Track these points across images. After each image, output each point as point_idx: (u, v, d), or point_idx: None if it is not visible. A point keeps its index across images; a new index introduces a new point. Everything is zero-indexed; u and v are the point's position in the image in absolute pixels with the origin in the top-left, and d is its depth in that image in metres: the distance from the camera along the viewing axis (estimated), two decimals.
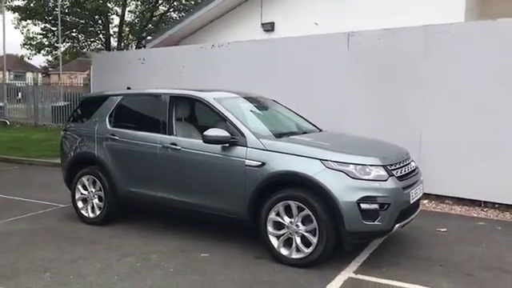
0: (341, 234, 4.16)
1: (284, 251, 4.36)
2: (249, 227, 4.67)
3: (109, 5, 24.72)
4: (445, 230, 5.50)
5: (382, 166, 4.25)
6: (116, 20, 27.95)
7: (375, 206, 4.09)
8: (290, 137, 4.83)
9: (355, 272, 4.19)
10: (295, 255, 4.31)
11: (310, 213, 4.19)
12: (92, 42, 28.06)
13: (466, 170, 6.53)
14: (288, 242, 4.37)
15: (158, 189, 5.12)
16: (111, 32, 27.76)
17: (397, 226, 4.26)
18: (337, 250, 4.32)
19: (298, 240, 4.29)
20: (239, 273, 4.18)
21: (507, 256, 4.66)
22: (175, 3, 27.40)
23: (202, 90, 5.31)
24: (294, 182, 4.32)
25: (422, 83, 6.84)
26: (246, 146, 4.58)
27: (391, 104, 7.10)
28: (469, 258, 4.56)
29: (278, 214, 4.39)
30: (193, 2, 25.51)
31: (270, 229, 4.43)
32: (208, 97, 5.09)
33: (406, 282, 3.98)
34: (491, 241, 5.15)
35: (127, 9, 27.36)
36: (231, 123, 4.75)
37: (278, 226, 4.41)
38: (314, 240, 4.19)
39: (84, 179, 5.74)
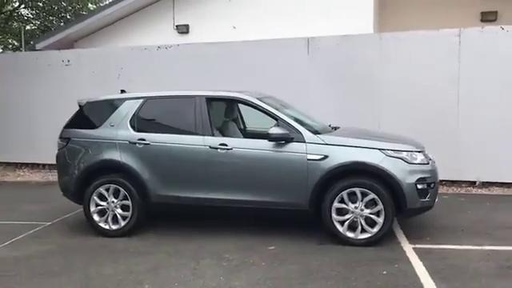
0: (401, 212, 4.84)
1: (350, 234, 4.87)
2: (309, 217, 5.05)
3: None
4: None
5: (421, 151, 5.05)
6: None
7: (425, 186, 4.87)
8: (333, 132, 5.31)
9: (411, 243, 4.91)
10: (361, 236, 4.85)
11: (375, 196, 4.78)
12: None
13: None
14: (350, 226, 4.89)
15: (206, 190, 5.14)
16: None
17: (436, 201, 5.12)
18: None
19: (363, 222, 4.84)
20: (327, 257, 4.56)
21: (493, 219, 5.88)
22: None
23: (231, 91, 5.48)
24: (360, 170, 4.85)
25: (378, 85, 7.89)
26: (305, 142, 4.95)
27: (350, 105, 8.00)
28: (474, 222, 5.64)
29: (341, 201, 4.87)
30: None
31: (334, 215, 4.88)
32: (250, 97, 5.29)
33: (457, 244, 4.84)
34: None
35: None
36: (284, 121, 5.06)
37: (341, 212, 4.89)
38: (380, 220, 4.79)
39: (102, 189, 5.37)
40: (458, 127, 7.54)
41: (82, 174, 5.43)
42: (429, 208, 5.00)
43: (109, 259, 4.68)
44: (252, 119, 6.12)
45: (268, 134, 4.93)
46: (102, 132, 5.47)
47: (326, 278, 4.07)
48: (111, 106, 5.60)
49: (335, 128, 5.78)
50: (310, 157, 4.91)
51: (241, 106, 6.00)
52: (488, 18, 10.85)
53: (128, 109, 5.48)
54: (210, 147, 5.12)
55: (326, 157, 4.87)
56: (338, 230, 4.88)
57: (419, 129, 7.11)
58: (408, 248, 4.78)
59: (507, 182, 7.45)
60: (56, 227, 5.92)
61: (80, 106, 5.76)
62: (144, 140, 5.29)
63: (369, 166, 4.81)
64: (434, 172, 5.01)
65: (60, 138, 5.73)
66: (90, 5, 24.45)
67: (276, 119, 5.12)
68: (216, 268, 4.36)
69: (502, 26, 7.37)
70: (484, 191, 7.41)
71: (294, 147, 4.96)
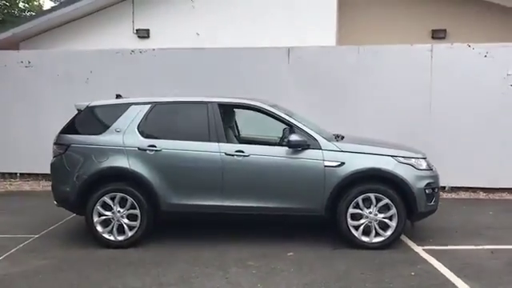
0: (411, 216, 5.11)
1: (365, 238, 5.05)
2: (324, 222, 5.16)
3: None
4: None
5: (424, 158, 5.37)
6: None
7: (431, 190, 5.18)
8: (344, 139, 5.47)
9: (418, 245, 5.19)
10: (375, 239, 5.04)
11: (388, 201, 5.00)
12: None
13: None
14: (364, 230, 5.06)
15: (222, 197, 5.07)
16: None
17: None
18: None
19: (377, 226, 5.04)
20: (349, 261, 4.68)
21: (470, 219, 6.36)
22: None
23: (240, 98, 5.50)
24: (374, 176, 5.05)
25: (356, 95, 8.23)
26: (321, 149, 5.07)
27: (330, 112, 8.23)
28: (462, 224, 6.06)
29: (355, 207, 5.04)
30: None
31: (349, 220, 5.04)
32: (263, 104, 5.32)
33: (460, 245, 5.19)
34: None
35: None
36: (299, 128, 5.15)
37: (356, 217, 5.05)
38: (393, 224, 5.01)
39: (107, 198, 5.11)
40: (430, 135, 8.04)
41: (84, 182, 5.12)
42: (433, 211, 5.31)
43: (128, 271, 4.47)
44: (253, 126, 6.12)
45: (289, 140, 4.99)
46: (106, 138, 5.21)
47: (361, 280, 4.19)
48: (115, 110, 5.36)
49: (338, 136, 5.92)
50: (326, 163, 5.03)
51: (246, 112, 5.97)
52: (438, 35, 11.66)
53: (135, 114, 5.27)
54: (226, 154, 5.07)
55: (342, 163, 5.02)
56: (353, 234, 5.04)
57: (394, 136, 7.44)
58: (418, 250, 5.04)
59: (473, 187, 8.07)
60: (46, 240, 5.54)
61: (79, 110, 5.45)
62: (155, 146, 5.12)
63: (384, 172, 5.03)
64: (436, 178, 5.33)
65: (56, 144, 5.37)
66: (21, 3, 23.06)
67: (291, 126, 5.19)
68: (247, 276, 4.32)
69: (468, 43, 8.00)
70: (453, 195, 7.97)
71: (310, 154, 5.06)
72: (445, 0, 11.21)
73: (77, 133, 5.32)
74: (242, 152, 5.08)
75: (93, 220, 5.12)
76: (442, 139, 8.01)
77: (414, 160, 5.17)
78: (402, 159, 5.12)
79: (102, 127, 5.29)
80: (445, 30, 11.75)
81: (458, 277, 4.23)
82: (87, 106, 5.40)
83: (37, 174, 9.21)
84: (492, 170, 7.92)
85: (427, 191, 5.11)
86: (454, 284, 4.09)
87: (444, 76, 8.00)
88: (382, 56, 8.20)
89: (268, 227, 5.70)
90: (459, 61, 7.96)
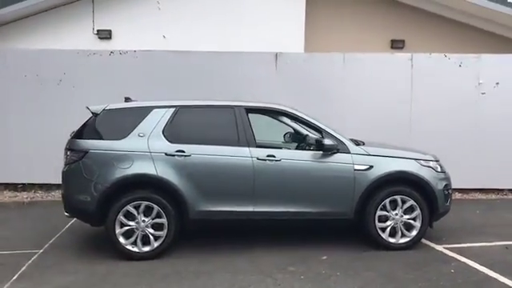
0: (432, 216, 5.32)
1: (392, 239, 5.18)
2: (353, 225, 5.24)
3: None
4: None
5: (438, 161, 5.63)
6: None
7: (448, 192, 5.45)
8: (368, 144, 5.54)
9: (438, 244, 5.41)
10: (402, 240, 5.20)
11: (413, 203, 5.18)
12: None
13: None
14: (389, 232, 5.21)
15: (253, 203, 4.96)
16: None
17: None
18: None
19: (402, 227, 5.20)
20: (386, 262, 4.78)
21: None
22: None
23: (267, 102, 5.44)
24: (401, 179, 5.20)
25: (341, 100, 8.43)
26: (350, 153, 5.15)
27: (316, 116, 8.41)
28: (461, 223, 6.41)
29: (382, 209, 5.17)
30: None
31: (377, 223, 5.15)
32: (289, 108, 5.31)
33: (475, 242, 5.48)
34: None
35: None
36: (327, 132, 5.19)
37: (382, 219, 5.18)
38: (418, 224, 5.20)
39: (130, 207, 4.80)
40: (410, 139, 8.40)
41: (106, 191, 4.77)
42: (448, 212, 5.56)
43: (174, 283, 4.22)
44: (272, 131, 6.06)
45: (323, 144, 5.00)
46: (129, 143, 4.90)
47: (411, 281, 4.29)
48: (136, 114, 5.06)
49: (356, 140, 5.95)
50: (356, 167, 5.11)
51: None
52: (397, 45, 12.27)
53: (158, 118, 5.01)
54: (258, 159, 4.98)
55: (371, 167, 5.13)
56: (381, 236, 5.15)
57: (376, 140, 7.77)
58: (441, 248, 5.27)
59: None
60: (56, 253, 5.10)
61: (95, 114, 5.07)
62: (183, 152, 4.90)
63: (410, 175, 5.20)
64: (450, 179, 5.60)
65: (71, 150, 4.96)
66: None
67: (320, 131, 5.21)
68: (298, 281, 4.27)
69: (445, 53, 8.54)
70: None
71: (340, 158, 5.11)
72: (403, 12, 11.81)
73: (95, 138, 4.95)
74: (274, 156, 5.02)
75: (115, 231, 4.78)
76: (421, 143, 8.35)
77: (432, 163, 5.41)
78: (423, 162, 5.33)
79: (124, 131, 4.96)
80: (403, 41, 12.38)
81: (495, 272, 4.47)
82: (104, 109, 5.05)
83: None
84: (466, 172, 8.44)
85: (445, 192, 5.37)
86: (496, 279, 4.31)
87: (423, 83, 8.45)
88: (365, 63, 8.49)
89: (289, 232, 5.66)
90: (437, 70, 8.45)
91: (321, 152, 5.10)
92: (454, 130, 8.45)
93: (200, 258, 4.90)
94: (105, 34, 11.01)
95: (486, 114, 8.45)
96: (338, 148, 5.11)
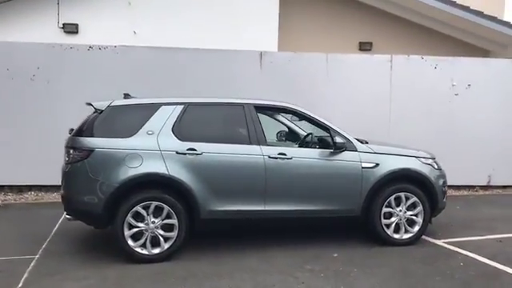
0: (432, 212, 5.50)
1: (396, 235, 5.30)
2: (360, 223, 5.31)
3: None
4: None
5: (434, 159, 5.83)
6: None
7: (444, 188, 5.66)
8: (371, 142, 5.62)
9: (437, 239, 5.59)
10: (405, 236, 5.33)
11: (416, 199, 5.33)
12: None
13: None
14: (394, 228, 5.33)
15: (264, 201, 4.91)
16: None
17: None
18: None
19: (406, 224, 5.34)
20: (396, 258, 4.89)
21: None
22: None
23: (275, 100, 5.40)
24: (405, 176, 5.33)
25: (324, 99, 8.52)
26: (357, 151, 5.22)
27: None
28: (448, 219, 6.67)
29: (387, 206, 5.28)
30: None
31: (383, 219, 5.26)
32: (298, 106, 5.31)
33: (469, 236, 5.71)
34: None
35: None
36: (334, 130, 5.23)
37: (386, 215, 5.29)
38: (420, 220, 5.36)
39: (139, 208, 4.61)
40: (389, 138, 8.65)
41: (115, 191, 4.55)
42: (444, 207, 5.76)
43: (195, 286, 4.09)
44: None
45: (335, 142, 5.03)
46: (138, 141, 4.70)
47: (427, 275, 4.40)
48: (143, 111, 4.86)
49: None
50: (364, 165, 5.18)
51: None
52: (365, 47, 12.58)
53: (167, 115, 4.84)
54: (270, 157, 4.93)
55: (377, 165, 5.22)
56: (386, 232, 5.26)
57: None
58: (441, 243, 5.45)
59: None
60: (55, 258, 4.81)
61: (98, 110, 4.81)
62: (195, 150, 4.76)
63: (413, 172, 5.35)
64: (445, 176, 5.81)
65: (74, 148, 4.69)
66: None
67: (328, 129, 5.24)
68: (321, 280, 4.27)
69: (422, 56, 8.86)
70: None
71: (349, 156, 5.17)
72: (371, 15, 12.13)
73: (100, 135, 4.70)
74: (285, 154, 4.99)
75: (123, 233, 4.57)
76: (399, 142, 8.68)
77: (431, 160, 5.60)
78: (423, 159, 5.50)
79: (131, 129, 4.75)
80: (371, 43, 12.72)
81: (501, 264, 4.67)
82: (109, 106, 4.80)
83: None
84: None
85: (443, 189, 5.57)
86: (505, 271, 4.51)
87: (402, 85, 8.73)
88: (347, 64, 8.66)
89: (294, 231, 5.67)
90: (414, 71, 8.76)
91: (329, 150, 5.14)
92: (430, 129, 8.77)
93: (211, 259, 4.78)
94: (71, 28, 10.49)
95: (459, 114, 8.86)
96: (346, 146, 5.16)
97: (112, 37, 9.76)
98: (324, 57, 8.61)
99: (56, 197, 7.85)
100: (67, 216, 4.86)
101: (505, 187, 9.17)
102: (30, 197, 7.86)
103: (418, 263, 4.73)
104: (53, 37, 9.84)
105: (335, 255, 4.95)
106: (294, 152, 5.10)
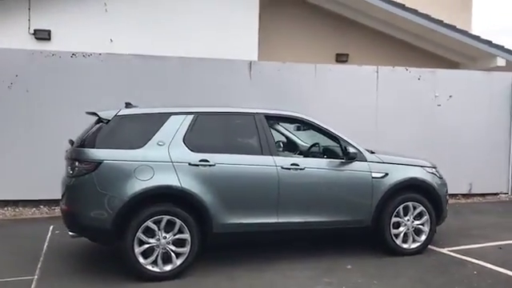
0: (438, 220, 5.54)
1: (404, 245, 5.30)
2: (369, 233, 5.27)
3: None
4: None
5: (436, 168, 5.89)
6: None
7: (447, 197, 5.74)
8: (378, 152, 5.60)
9: (441, 247, 5.63)
10: (413, 245, 5.34)
11: (423, 208, 5.36)
12: None
13: None
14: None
15: (276, 214, 4.79)
16: None
17: None
18: None
19: (413, 233, 5.35)
20: (410, 268, 4.87)
21: None
22: None
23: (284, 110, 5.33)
24: (412, 186, 5.34)
25: (313, 108, 8.44)
26: (367, 161, 5.20)
27: (290, 128, 8.39)
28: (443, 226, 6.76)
29: (396, 216, 5.28)
30: None
31: (392, 229, 5.25)
32: (307, 116, 5.24)
33: (470, 244, 5.78)
34: None
35: None
36: (344, 141, 5.20)
37: (394, 225, 5.28)
38: (427, 229, 5.38)
39: (150, 223, 4.38)
40: (376, 144, 8.72)
41: (125, 205, 4.30)
42: (447, 216, 5.82)
43: None
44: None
45: (349, 152, 4.99)
46: (149, 152, 4.47)
47: (446, 285, 4.40)
48: (152, 121, 4.64)
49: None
50: (374, 175, 5.17)
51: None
52: (342, 58, 12.74)
53: (177, 125, 4.64)
54: (283, 168, 4.82)
55: (386, 174, 5.22)
56: (395, 242, 5.24)
57: None
58: (446, 252, 5.49)
59: None
60: (56, 279, 4.49)
61: (104, 120, 4.55)
62: (207, 161, 4.58)
63: (420, 181, 5.39)
64: (447, 185, 5.88)
65: (79, 160, 4.40)
66: None
67: (337, 139, 5.20)
68: None
69: (406, 67, 9.05)
70: None
71: (359, 166, 5.14)
72: (347, 28, 12.30)
73: (108, 147, 4.43)
74: (297, 165, 4.90)
75: (134, 250, 4.31)
76: (386, 148, 8.76)
77: (434, 169, 5.66)
78: (428, 169, 5.56)
79: (141, 140, 4.52)
80: (347, 55, 12.91)
81: (509, 270, 4.75)
82: (116, 115, 4.55)
83: None
84: None
85: (446, 197, 5.64)
86: None
87: (388, 94, 8.87)
88: (335, 74, 8.71)
89: (299, 242, 5.56)
90: (399, 82, 8.93)
91: (340, 160, 5.09)
92: (414, 138, 8.92)
93: (226, 274, 4.60)
94: (43, 35, 9.99)
95: (441, 124, 9.08)
96: (358, 156, 5.13)
97: (87, 44, 9.38)
98: (313, 67, 8.63)
99: (35, 212, 7.44)
100: (70, 233, 4.55)
101: (483, 195, 9.46)
102: (8, 212, 7.37)
103: (432, 272, 4.74)
104: (23, 43, 9.35)
105: (349, 267, 4.88)
106: (307, 162, 5.02)
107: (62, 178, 4.81)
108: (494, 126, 9.35)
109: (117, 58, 7.93)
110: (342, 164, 5.09)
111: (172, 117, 4.68)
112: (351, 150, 5.02)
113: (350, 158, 5.03)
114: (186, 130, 4.65)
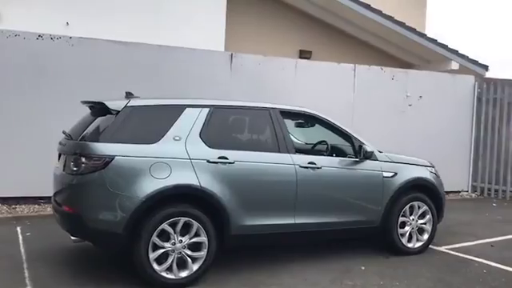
0: (439, 219, 5.59)
1: (409, 244, 5.29)
2: (378, 233, 5.19)
3: None
4: None
5: (434, 167, 5.93)
6: None
7: (444, 196, 5.82)
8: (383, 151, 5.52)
9: (438, 246, 5.69)
10: (417, 244, 5.34)
11: (426, 208, 5.38)
12: None
13: None
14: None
15: (293, 214, 4.56)
16: None
17: None
18: None
19: (417, 232, 5.36)
20: (422, 267, 4.85)
21: None
22: None
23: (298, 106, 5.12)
24: (418, 185, 5.33)
25: (292, 102, 8.33)
26: (378, 160, 5.11)
27: None
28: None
29: (403, 215, 5.25)
30: None
31: (399, 229, 5.21)
32: (319, 112, 5.05)
33: (464, 242, 5.90)
34: None
35: None
36: (356, 139, 5.08)
37: (401, 225, 5.26)
38: (429, 228, 5.41)
39: (166, 226, 3.98)
40: None
41: (140, 206, 3.86)
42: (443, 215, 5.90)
43: None
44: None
45: (367, 151, 4.87)
46: (165, 147, 4.05)
47: (465, 284, 4.41)
48: (167, 113, 4.22)
49: None
50: (385, 174, 5.10)
51: None
52: (305, 55, 12.69)
53: (193, 119, 4.25)
54: (301, 166, 4.59)
55: (395, 174, 5.17)
56: (402, 242, 5.21)
57: None
58: (445, 250, 5.56)
59: None
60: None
61: (113, 111, 4.05)
62: (226, 158, 4.24)
63: (425, 181, 5.40)
64: (443, 184, 5.96)
65: (85, 156, 3.87)
66: None
67: (350, 137, 5.06)
68: None
69: (381, 67, 9.15)
70: None
71: (371, 165, 5.04)
72: (311, 25, 12.31)
73: (120, 141, 3.95)
74: (315, 164, 4.69)
75: (148, 256, 3.89)
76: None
77: (434, 169, 5.71)
78: (430, 168, 5.59)
79: (155, 134, 4.08)
80: (310, 52, 12.90)
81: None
82: (127, 106, 4.07)
83: None
84: None
85: (445, 197, 5.72)
86: None
87: (364, 91, 8.93)
88: (314, 71, 8.62)
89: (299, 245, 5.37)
90: (374, 81, 9.02)
91: (353, 159, 4.96)
92: (387, 136, 9.01)
93: (243, 278, 4.30)
94: None
95: (411, 123, 9.30)
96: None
97: (40, 27, 8.52)
98: (293, 62, 8.48)
99: (1, 211, 6.62)
100: (73, 238, 4.03)
101: (447, 193, 9.80)
102: None
103: (445, 271, 4.75)
104: None
105: (363, 268, 4.77)
106: (324, 161, 4.82)
107: (57, 174, 4.26)
108: (458, 124, 9.73)
109: (87, 42, 7.29)
110: (356, 163, 4.97)
111: (187, 109, 4.27)
112: (368, 148, 4.90)
113: (366, 157, 4.91)
114: (202, 124, 4.28)
